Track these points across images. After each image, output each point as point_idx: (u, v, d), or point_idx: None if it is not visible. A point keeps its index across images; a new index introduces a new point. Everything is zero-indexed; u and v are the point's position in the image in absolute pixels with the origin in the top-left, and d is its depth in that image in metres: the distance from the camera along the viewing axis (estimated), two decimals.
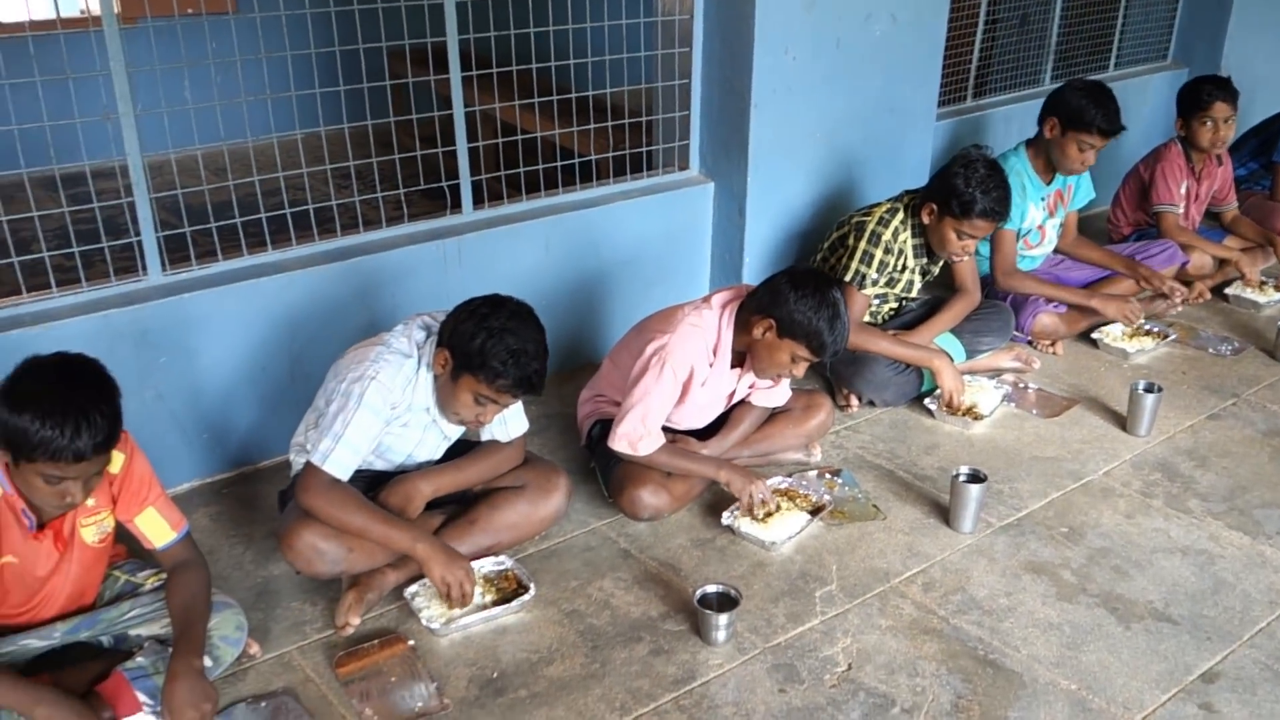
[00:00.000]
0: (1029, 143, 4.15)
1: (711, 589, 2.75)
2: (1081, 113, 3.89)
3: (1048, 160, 4.07)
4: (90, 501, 2.35)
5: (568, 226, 3.75)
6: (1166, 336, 4.22)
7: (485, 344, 2.61)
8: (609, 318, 3.94)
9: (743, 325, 3.05)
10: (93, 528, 2.40)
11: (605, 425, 3.26)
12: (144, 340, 2.99)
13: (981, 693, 2.58)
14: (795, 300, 2.93)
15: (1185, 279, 4.42)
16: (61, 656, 2.44)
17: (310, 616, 2.79)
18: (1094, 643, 2.73)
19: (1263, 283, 4.59)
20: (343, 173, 3.64)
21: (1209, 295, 4.52)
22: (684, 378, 3.07)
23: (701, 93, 3.92)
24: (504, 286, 3.24)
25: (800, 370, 3.05)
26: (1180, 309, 4.40)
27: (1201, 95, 4.42)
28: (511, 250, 3.63)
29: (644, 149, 4.04)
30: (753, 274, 4.08)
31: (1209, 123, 4.42)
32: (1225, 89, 4.42)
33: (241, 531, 3.11)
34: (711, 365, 3.10)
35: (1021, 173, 4.05)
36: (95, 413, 2.10)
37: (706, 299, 3.14)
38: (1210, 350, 4.23)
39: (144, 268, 3.06)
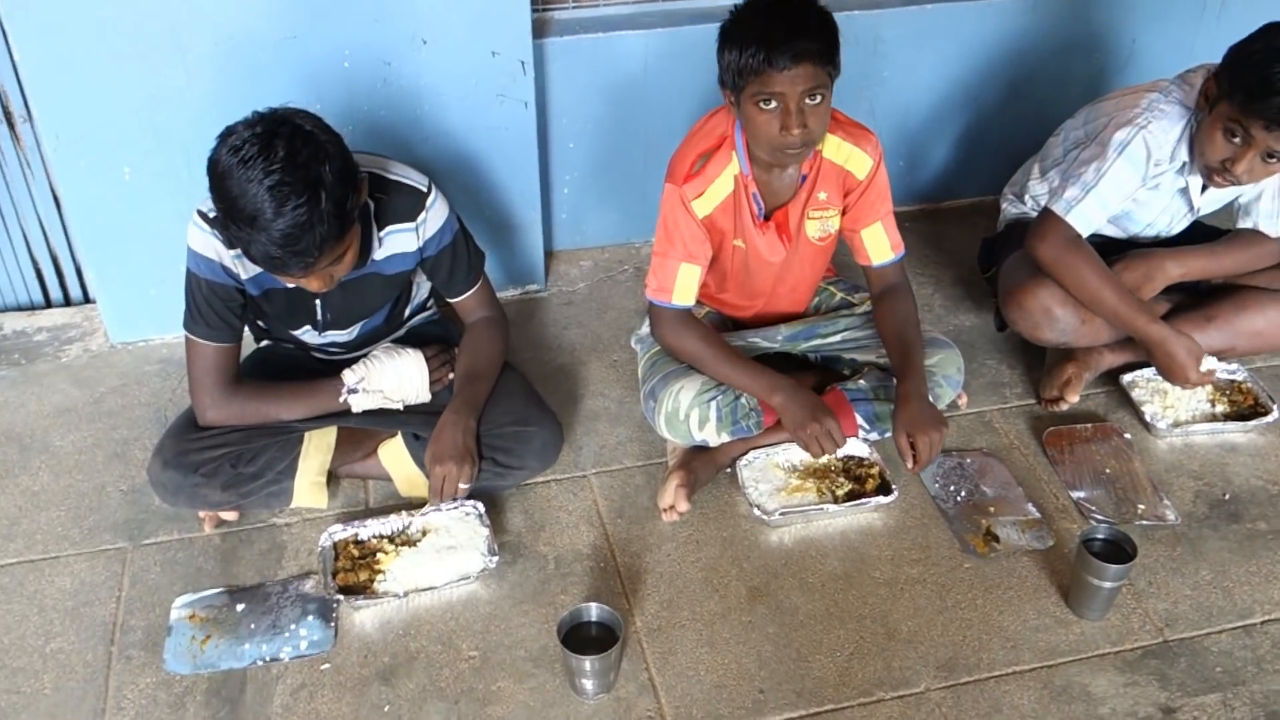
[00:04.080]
0: None
1: None
2: None
3: None
4: (822, 195, 2.23)
5: None
6: None
7: (1254, 57, 2.09)
8: None
9: None
10: (818, 223, 2.28)
11: None
12: (875, 50, 2.79)
13: None
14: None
15: None
16: (775, 365, 2.42)
17: (1009, 380, 2.60)
18: None
19: None
20: None
21: None
22: None
23: None
24: None
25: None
26: None
27: None
28: None
29: None
30: None
31: None
32: None
33: (928, 273, 2.94)
34: None
35: None
36: (809, 15, 1.95)
37: None
38: None
39: None
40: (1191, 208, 2.46)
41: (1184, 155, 2.31)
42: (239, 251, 1.97)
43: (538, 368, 2.61)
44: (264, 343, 2.35)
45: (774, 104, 1.99)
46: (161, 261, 2.50)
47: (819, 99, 2.00)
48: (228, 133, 1.78)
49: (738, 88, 2.01)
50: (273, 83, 2.32)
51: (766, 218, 2.25)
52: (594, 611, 1.91)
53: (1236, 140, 2.16)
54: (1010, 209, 2.69)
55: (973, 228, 2.99)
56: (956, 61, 2.92)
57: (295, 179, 1.73)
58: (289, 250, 1.76)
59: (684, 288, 2.20)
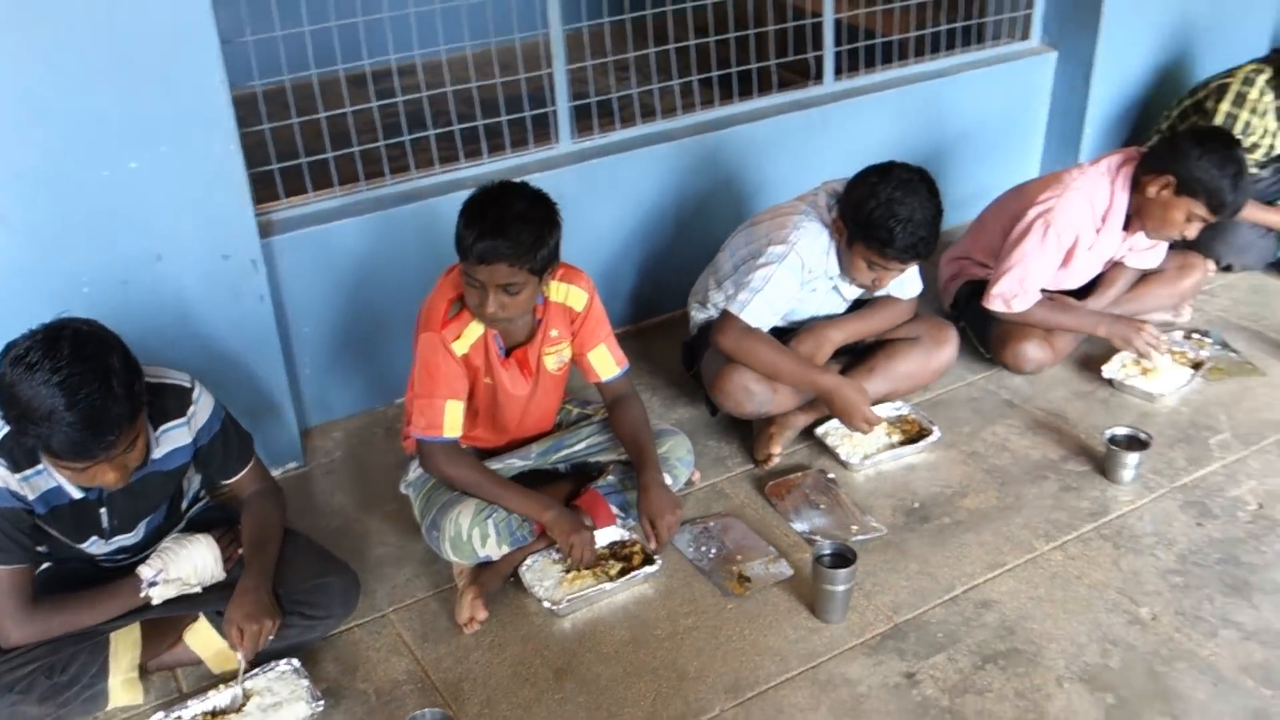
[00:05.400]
0: None
1: (1121, 431, 2.86)
2: None
3: None
4: (554, 333, 2.62)
5: (916, 97, 3.84)
6: None
7: (873, 213, 2.73)
8: (949, 188, 3.98)
9: (1136, 185, 3.10)
10: (553, 357, 2.66)
11: (973, 286, 3.37)
12: (560, 203, 3.23)
13: None
14: (1199, 157, 2.95)
15: None
16: (530, 480, 2.75)
17: (728, 453, 3.03)
18: None
19: None
20: (621, 64, 3.55)
21: None
22: (1068, 244, 3.14)
23: None
24: (860, 157, 3.37)
25: (1193, 231, 3.07)
26: None
27: None
28: (868, 121, 3.74)
29: (957, 24, 3.98)
30: (1092, 146, 4.08)
31: None
32: None
33: (644, 381, 3.36)
34: (1099, 230, 3.16)
35: None
36: (512, 222, 2.30)
37: (1094, 162, 3.19)
38: None
39: (556, 135, 3.32)
40: (844, 299, 3.06)
41: (835, 269, 2.92)
42: (24, 474, 2.08)
43: (316, 534, 2.76)
44: (45, 565, 2.41)
45: (476, 283, 2.37)
46: None
47: (516, 292, 2.38)
48: (9, 347, 1.93)
49: (459, 257, 2.38)
50: (13, 317, 2.42)
51: (507, 355, 2.60)
52: (427, 717, 2.11)
53: (879, 268, 2.80)
54: (698, 315, 3.18)
55: (672, 337, 3.47)
56: (629, 202, 3.44)
57: (85, 369, 1.90)
58: (90, 432, 1.90)
59: (451, 422, 2.49)
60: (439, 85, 3.13)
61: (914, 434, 3.02)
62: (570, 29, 3.22)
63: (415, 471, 2.67)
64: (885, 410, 3.04)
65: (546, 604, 2.47)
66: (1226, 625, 2.39)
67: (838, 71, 3.74)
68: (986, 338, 3.32)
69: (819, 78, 3.70)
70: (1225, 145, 2.98)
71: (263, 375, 2.88)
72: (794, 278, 2.87)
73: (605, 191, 3.36)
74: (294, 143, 2.95)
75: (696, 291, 3.21)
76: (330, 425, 3.22)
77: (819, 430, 3.01)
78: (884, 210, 2.72)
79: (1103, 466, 2.86)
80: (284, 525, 2.48)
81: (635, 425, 2.71)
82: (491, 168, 3.22)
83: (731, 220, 3.43)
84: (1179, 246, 3.38)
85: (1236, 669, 2.28)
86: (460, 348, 2.49)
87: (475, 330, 2.50)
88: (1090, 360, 3.30)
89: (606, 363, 2.73)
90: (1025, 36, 4.05)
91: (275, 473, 3.00)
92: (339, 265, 3.03)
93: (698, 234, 3.55)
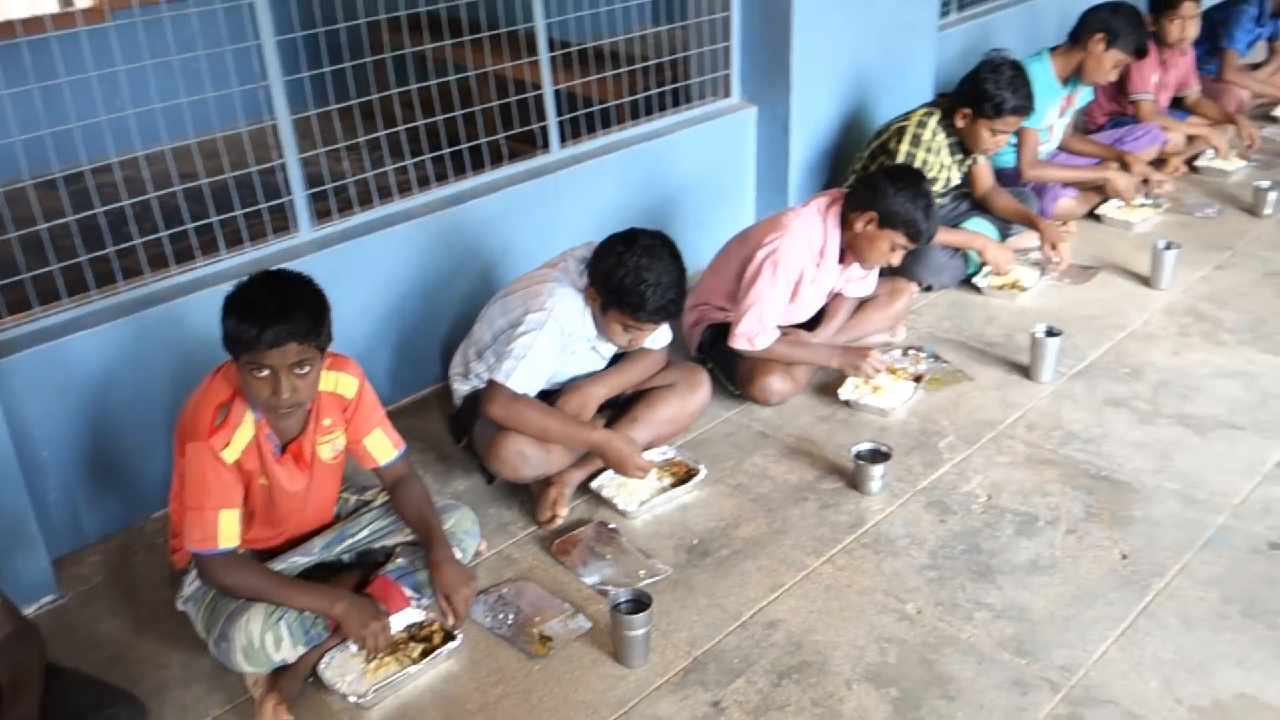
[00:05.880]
0: (1053, 49, 4.55)
1: (865, 447, 3.13)
2: (1133, 38, 4.35)
3: (1065, 66, 4.49)
4: (327, 421, 2.60)
5: (638, 158, 4.05)
6: (1159, 207, 4.76)
7: (624, 280, 2.90)
8: (678, 239, 4.23)
9: (844, 222, 3.42)
10: (328, 446, 2.63)
11: (715, 329, 3.60)
12: None
13: (1105, 501, 3.03)
14: (894, 193, 3.31)
15: (1162, 156, 4.96)
16: (317, 575, 2.70)
17: (510, 518, 3.08)
18: (1181, 452, 3.22)
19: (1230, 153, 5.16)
20: (353, 147, 3.54)
21: (1183, 169, 5.07)
22: (794, 279, 3.43)
23: (741, 23, 4.25)
24: (594, 219, 3.56)
25: (897, 258, 3.43)
26: (1169, 189, 4.87)
27: None
28: (596, 184, 3.92)
29: (665, 88, 4.24)
30: (798, 191, 4.44)
31: (1177, 21, 4.93)
32: None
33: (415, 459, 3.33)
34: (819, 265, 3.47)
35: (1041, 77, 4.41)
36: (292, 303, 2.32)
37: (805, 204, 3.51)
38: (1197, 214, 4.77)
39: (295, 224, 3.28)
40: (603, 357, 3.21)
41: (592, 331, 3.06)
42: None
43: (87, 668, 2.56)
44: None
45: (265, 372, 2.33)
46: None
47: (307, 370, 2.37)
48: None
49: (235, 354, 2.33)
50: None
51: (282, 452, 2.55)
52: None
53: (634, 329, 2.99)
54: (462, 387, 3.22)
55: (435, 411, 3.50)
56: (378, 284, 3.44)
57: None
58: None
59: (226, 532, 2.41)
60: (165, 178, 3.04)
61: (683, 475, 3.18)
62: (298, 116, 3.21)
63: (192, 585, 2.56)
64: (653, 455, 3.19)
65: (351, 698, 2.43)
66: (979, 608, 2.67)
67: (563, 139, 3.90)
68: (734, 375, 3.55)
69: (546, 146, 3.85)
70: (914, 181, 3.36)
71: (2, 508, 2.68)
72: (554, 343, 2.98)
73: (352, 275, 3.35)
74: (12, 256, 2.78)
75: (456, 365, 3.25)
76: (85, 550, 3.02)
77: (594, 484, 3.12)
78: (633, 277, 2.88)
79: (853, 481, 3.12)
80: (44, 664, 2.30)
81: (419, 504, 2.72)
82: (232, 263, 3.15)
83: (480, 290, 3.52)
84: (886, 273, 3.76)
85: (994, 645, 2.55)
86: (231, 455, 2.42)
87: (245, 434, 2.44)
88: (827, 385, 3.60)
89: (383, 446, 2.73)
90: (727, 94, 4.38)
91: (29, 610, 2.79)
92: (79, 380, 2.87)
93: (448, 307, 3.60)
